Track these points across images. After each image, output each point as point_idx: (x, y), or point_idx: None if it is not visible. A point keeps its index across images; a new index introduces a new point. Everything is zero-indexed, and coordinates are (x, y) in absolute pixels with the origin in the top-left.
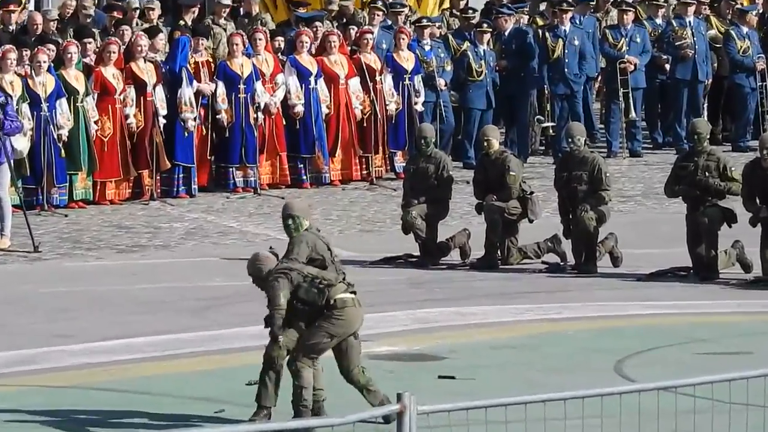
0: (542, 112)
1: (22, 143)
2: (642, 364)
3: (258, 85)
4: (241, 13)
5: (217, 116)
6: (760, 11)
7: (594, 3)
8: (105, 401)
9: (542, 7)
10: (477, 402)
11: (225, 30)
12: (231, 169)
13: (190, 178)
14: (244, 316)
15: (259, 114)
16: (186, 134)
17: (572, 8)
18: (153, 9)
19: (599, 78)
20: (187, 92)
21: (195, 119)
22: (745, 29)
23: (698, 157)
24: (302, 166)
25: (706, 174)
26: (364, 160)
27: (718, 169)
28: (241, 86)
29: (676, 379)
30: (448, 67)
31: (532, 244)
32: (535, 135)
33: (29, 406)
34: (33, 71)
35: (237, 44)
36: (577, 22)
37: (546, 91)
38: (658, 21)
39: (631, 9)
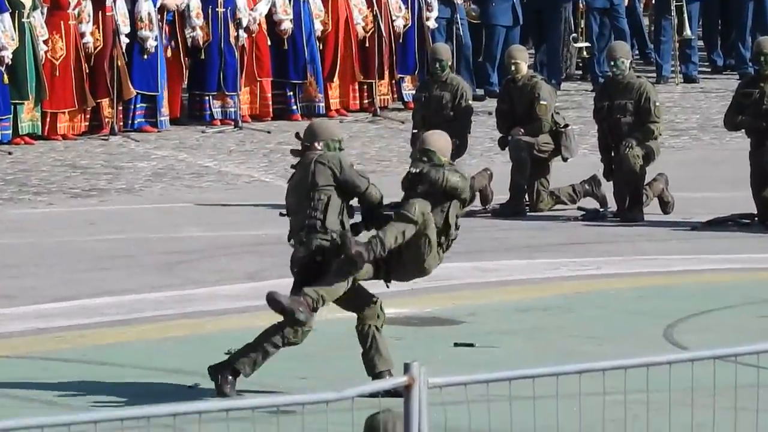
0: (577, 30)
1: None
2: (696, 330)
3: None
4: None
5: (191, 35)
6: None
7: None
8: (58, 374)
9: None
10: (500, 374)
11: None
12: (207, 98)
13: (155, 108)
14: (222, 273)
15: (241, 32)
16: (145, 56)
17: None
18: None
19: None
20: (144, 6)
21: (155, 38)
22: None
23: (765, 83)
24: (291, 94)
25: None
26: (366, 87)
27: None
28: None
29: (736, 346)
30: None
31: (566, 186)
32: (570, 57)
33: None
34: None
35: None
36: None
37: (581, 5)
38: None
39: None
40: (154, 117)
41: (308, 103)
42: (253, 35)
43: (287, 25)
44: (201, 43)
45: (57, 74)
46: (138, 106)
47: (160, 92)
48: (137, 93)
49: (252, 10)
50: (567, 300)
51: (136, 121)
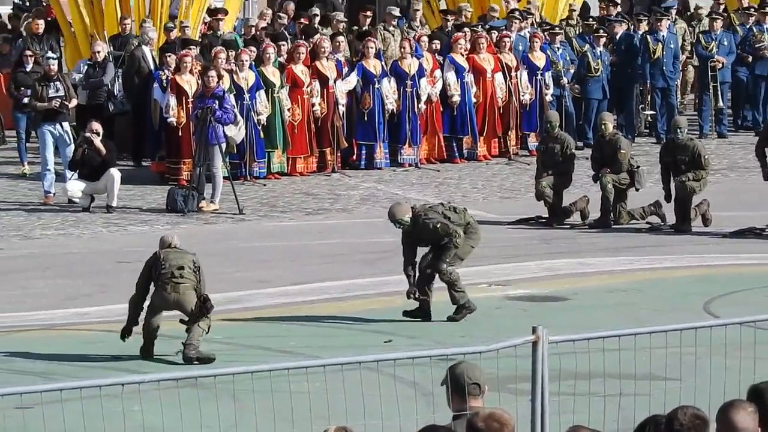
0: (645, 102)
1: (233, 131)
2: (727, 304)
3: (423, 80)
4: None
5: (387, 107)
6: None
7: (689, 13)
8: (297, 331)
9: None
10: (596, 333)
11: (393, 36)
12: (399, 148)
13: (371, 153)
14: None
15: (422, 104)
16: (365, 119)
17: (668, 16)
18: (334, 17)
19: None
20: (338, 85)
21: (344, 105)
22: None
23: None
24: (455, 145)
25: None
26: (503, 140)
27: None
28: (408, 81)
29: (755, 315)
30: (572, 69)
31: (638, 208)
32: (640, 120)
33: (236, 337)
34: (237, 68)
35: (405, 48)
36: (672, 29)
37: (648, 85)
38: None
39: (720, 17)
40: (370, 160)
41: (468, 151)
42: (433, 104)
43: (457, 98)
44: (395, 110)
45: (296, 131)
46: (361, 153)
47: (376, 142)
48: (360, 143)
49: (433, 87)
50: (639, 284)
51: (361, 162)
